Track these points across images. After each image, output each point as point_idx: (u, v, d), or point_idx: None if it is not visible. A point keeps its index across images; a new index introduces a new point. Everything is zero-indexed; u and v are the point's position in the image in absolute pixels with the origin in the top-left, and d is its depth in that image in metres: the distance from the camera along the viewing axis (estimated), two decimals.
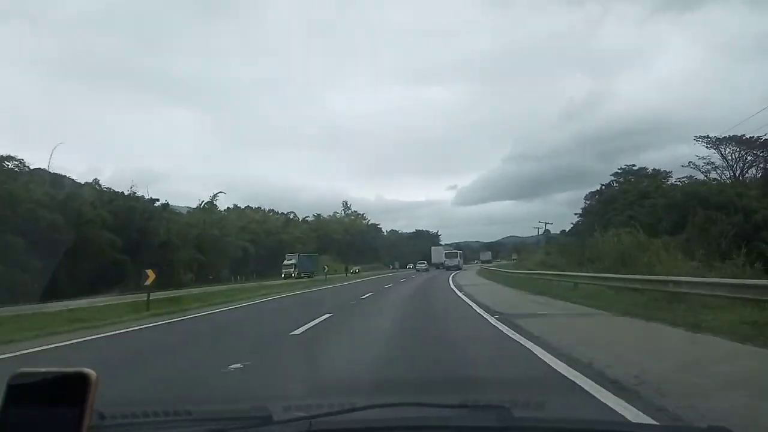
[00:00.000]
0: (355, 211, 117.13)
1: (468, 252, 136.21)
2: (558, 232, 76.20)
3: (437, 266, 78.41)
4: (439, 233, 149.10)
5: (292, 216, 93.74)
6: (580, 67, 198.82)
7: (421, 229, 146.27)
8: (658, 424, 3.69)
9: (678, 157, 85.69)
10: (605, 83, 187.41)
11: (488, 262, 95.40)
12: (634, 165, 58.06)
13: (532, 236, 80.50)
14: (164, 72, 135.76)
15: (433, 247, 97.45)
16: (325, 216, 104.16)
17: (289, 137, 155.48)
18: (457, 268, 71.58)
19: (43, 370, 1.04)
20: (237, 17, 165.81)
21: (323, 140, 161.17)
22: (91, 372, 1.03)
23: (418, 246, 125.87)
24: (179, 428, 2.20)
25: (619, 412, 4.17)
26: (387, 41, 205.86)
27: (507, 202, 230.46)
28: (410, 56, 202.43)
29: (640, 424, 2.93)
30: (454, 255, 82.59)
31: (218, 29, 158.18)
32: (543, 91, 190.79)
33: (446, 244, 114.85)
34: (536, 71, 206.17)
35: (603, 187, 57.13)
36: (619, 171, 58.40)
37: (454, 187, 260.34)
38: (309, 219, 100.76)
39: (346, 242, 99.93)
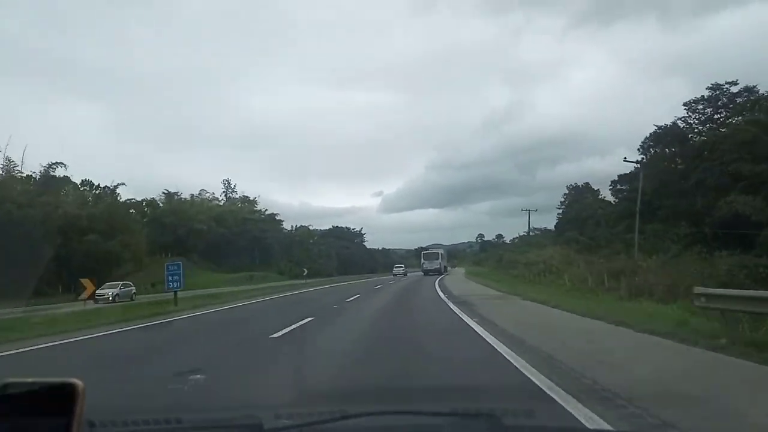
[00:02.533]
0: (244, 196, 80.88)
1: (395, 257, 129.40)
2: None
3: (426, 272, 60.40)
4: (363, 231, 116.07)
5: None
6: (501, 77, 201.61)
7: (339, 226, 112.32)
8: None
9: (591, 171, 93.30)
10: (525, 94, 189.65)
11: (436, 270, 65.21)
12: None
13: (461, 243, 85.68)
14: (66, 60, 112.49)
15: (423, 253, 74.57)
16: (184, 197, 66.87)
17: (204, 136, 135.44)
18: (438, 272, 57.27)
19: (30, 380, 1.03)
20: (149, 5, 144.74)
21: (242, 140, 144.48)
22: (78, 382, 1.01)
23: (334, 247, 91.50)
24: None
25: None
26: (309, 42, 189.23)
27: (431, 210, 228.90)
28: (333, 58, 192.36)
29: None
30: (435, 256, 64.84)
31: (127, 16, 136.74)
32: (466, 99, 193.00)
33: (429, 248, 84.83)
34: (460, 79, 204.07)
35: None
36: None
37: (379, 194, 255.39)
38: (155, 199, 63.85)
39: (219, 238, 63.62)
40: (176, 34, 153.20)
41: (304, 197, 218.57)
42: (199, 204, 67.15)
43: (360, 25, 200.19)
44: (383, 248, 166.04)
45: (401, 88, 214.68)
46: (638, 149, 42.53)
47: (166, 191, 65.21)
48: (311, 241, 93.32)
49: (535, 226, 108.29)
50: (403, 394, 5.18)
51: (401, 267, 74.66)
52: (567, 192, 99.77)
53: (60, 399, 0.99)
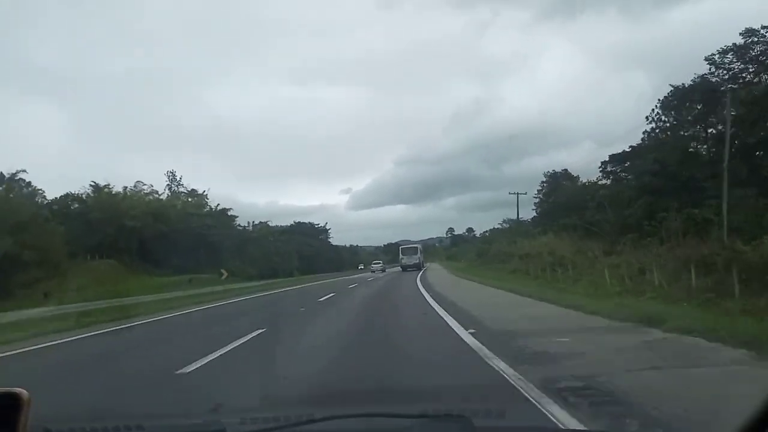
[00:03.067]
0: (192, 190, 71.40)
1: (364, 255, 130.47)
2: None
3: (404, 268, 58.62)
4: (328, 227, 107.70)
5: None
6: (469, 72, 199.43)
7: (302, 221, 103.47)
8: None
9: (556, 163, 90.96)
10: (493, 88, 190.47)
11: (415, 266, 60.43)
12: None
13: (430, 238, 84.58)
14: (23, 57, 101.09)
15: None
16: (116, 190, 57.23)
17: (167, 136, 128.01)
18: (417, 267, 56.09)
19: None
20: (107, 4, 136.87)
21: (206, 140, 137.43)
22: (22, 391, 0.99)
23: (295, 244, 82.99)
24: None
25: None
26: (273, 38, 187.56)
27: (400, 206, 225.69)
28: (298, 55, 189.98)
29: None
30: (413, 251, 63.59)
31: (86, 12, 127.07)
32: (434, 94, 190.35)
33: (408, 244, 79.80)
34: (428, 74, 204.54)
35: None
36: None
37: (348, 191, 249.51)
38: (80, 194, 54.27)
39: (158, 236, 54.47)
40: (138, 33, 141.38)
41: (271, 196, 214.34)
42: (133, 198, 57.52)
43: (326, 21, 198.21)
44: (351, 245, 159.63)
45: (368, 84, 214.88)
46: (655, 110, 35.63)
47: (93, 183, 55.58)
48: (270, 239, 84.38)
49: (510, 218, 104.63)
50: (374, 398, 4.96)
51: (379, 263, 72.00)
52: (544, 180, 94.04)
53: (4, 409, 0.95)
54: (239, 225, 78.74)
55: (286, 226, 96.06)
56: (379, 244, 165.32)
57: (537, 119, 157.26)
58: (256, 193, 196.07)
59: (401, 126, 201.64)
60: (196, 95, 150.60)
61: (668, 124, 36.78)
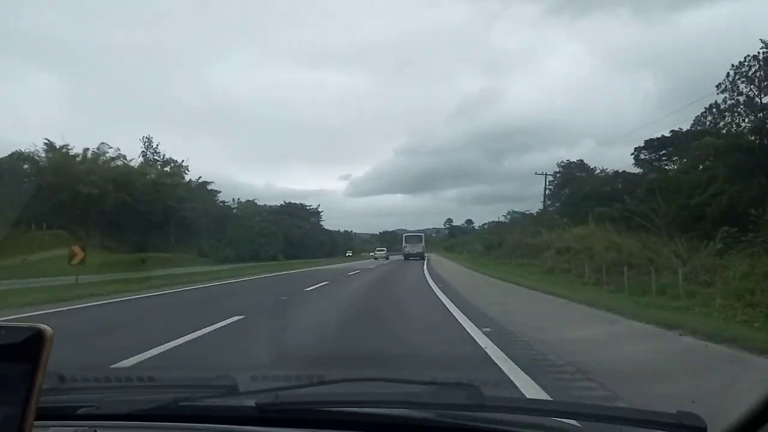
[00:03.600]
0: (171, 159, 63.59)
1: (358, 241, 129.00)
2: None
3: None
4: (320, 209, 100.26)
5: None
6: (475, 64, 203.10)
7: (293, 201, 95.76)
8: (627, 407, 3.44)
9: (557, 158, 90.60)
10: (498, 82, 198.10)
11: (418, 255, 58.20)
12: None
13: (427, 229, 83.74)
14: (20, 28, 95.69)
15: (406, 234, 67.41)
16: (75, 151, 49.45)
17: (167, 113, 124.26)
18: (420, 257, 54.33)
19: None
20: None
21: (206, 119, 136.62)
22: (46, 328, 0.98)
23: (283, 226, 75.64)
24: (143, 396, 1.92)
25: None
26: (280, 20, 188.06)
27: (399, 195, 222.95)
28: (303, 36, 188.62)
29: (608, 407, 2.31)
30: (417, 239, 61.28)
31: None
32: (439, 85, 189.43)
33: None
34: (433, 64, 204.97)
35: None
36: None
37: (347, 177, 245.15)
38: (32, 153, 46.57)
39: (120, 207, 46.91)
40: (140, 8, 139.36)
41: (269, 179, 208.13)
42: (94, 162, 49.68)
43: (334, 3, 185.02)
44: (346, 231, 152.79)
45: (374, 71, 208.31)
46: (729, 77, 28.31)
47: (47, 141, 47.78)
48: (257, 218, 76.80)
49: (516, 210, 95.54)
50: (383, 365, 4.92)
51: (383, 251, 70.58)
52: (558, 170, 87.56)
53: (26, 345, 0.95)
54: (222, 201, 71.27)
55: (275, 206, 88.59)
56: (375, 232, 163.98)
57: (540, 114, 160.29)
58: (254, 175, 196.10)
59: (404, 115, 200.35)
60: (197, 74, 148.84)
61: (743, 97, 29.49)
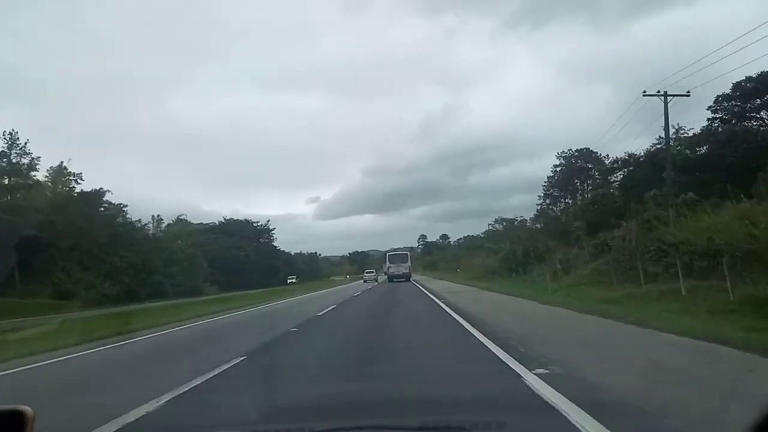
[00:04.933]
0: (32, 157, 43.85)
1: (327, 264, 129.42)
2: None
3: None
4: (271, 226, 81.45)
5: None
6: (437, 81, 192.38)
7: (236, 219, 76.76)
8: None
9: (520, 172, 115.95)
10: (460, 98, 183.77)
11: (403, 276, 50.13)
12: None
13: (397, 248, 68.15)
14: None
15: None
16: None
17: (124, 141, 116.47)
18: (405, 278, 48.37)
19: None
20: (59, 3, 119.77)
21: (165, 146, 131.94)
22: (27, 409, 1.00)
23: (217, 247, 57.01)
24: None
25: None
26: (238, 44, 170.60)
27: (367, 216, 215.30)
28: (262, 59, 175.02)
29: None
30: (402, 258, 52.54)
31: (39, 13, 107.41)
32: (402, 103, 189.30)
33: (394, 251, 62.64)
34: (395, 82, 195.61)
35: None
36: None
37: (315, 200, 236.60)
38: None
39: None
40: (97, 36, 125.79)
41: (236, 205, 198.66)
42: None
43: (290, 26, 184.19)
44: (309, 252, 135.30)
45: (335, 92, 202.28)
46: None
47: None
48: (179, 241, 57.66)
49: (505, 217, 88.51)
50: (375, 409, 4.40)
51: (372, 272, 63.43)
52: (560, 164, 70.73)
53: (8, 427, 0.95)
54: (129, 219, 51.64)
55: (211, 224, 69.64)
56: (345, 253, 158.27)
57: (502, 129, 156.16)
58: (219, 202, 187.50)
59: (369, 135, 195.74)
60: (158, 100, 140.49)
61: None
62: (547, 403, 4.26)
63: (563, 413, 3.87)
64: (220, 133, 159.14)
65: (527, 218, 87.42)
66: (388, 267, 51.35)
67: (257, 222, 75.53)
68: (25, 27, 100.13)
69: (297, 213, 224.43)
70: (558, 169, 69.99)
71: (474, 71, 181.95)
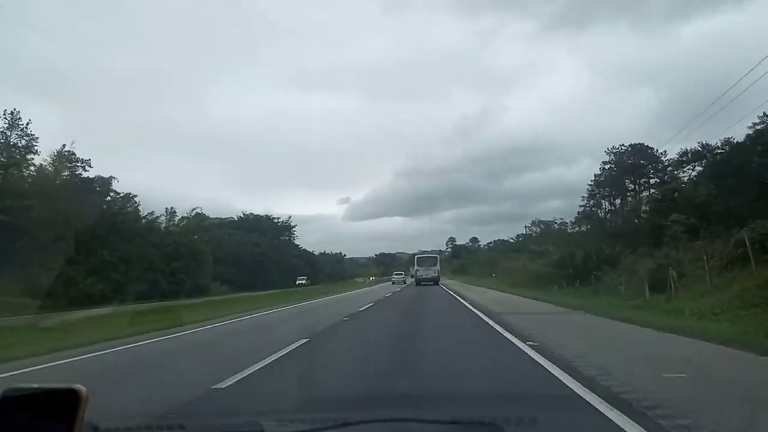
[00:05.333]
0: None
1: (352, 265, 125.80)
2: None
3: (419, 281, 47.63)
4: (292, 223, 76.94)
5: None
6: (473, 83, 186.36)
7: (257, 213, 72.15)
8: None
9: (556, 177, 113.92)
10: (496, 100, 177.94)
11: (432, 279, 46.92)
12: None
13: (425, 251, 64.51)
14: (8, 54, 78.28)
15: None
16: None
17: (163, 140, 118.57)
18: (434, 281, 46.22)
19: (35, 385, 1.04)
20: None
21: (203, 145, 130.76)
22: (81, 388, 1.03)
23: (233, 243, 52.40)
24: None
25: None
26: (276, 43, 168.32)
27: (397, 218, 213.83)
28: (298, 59, 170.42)
29: None
30: (431, 261, 50.24)
31: (81, 9, 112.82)
32: (436, 105, 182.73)
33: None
34: (430, 84, 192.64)
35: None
36: None
37: (346, 201, 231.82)
38: None
39: None
40: (133, 35, 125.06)
41: (268, 204, 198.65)
42: None
43: (327, 25, 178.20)
44: (335, 253, 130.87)
45: (370, 93, 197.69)
46: None
47: None
48: (195, 236, 53.14)
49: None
50: (408, 401, 4.90)
51: (401, 275, 62.52)
52: (609, 161, 65.73)
53: (63, 405, 0.99)
54: (138, 210, 47.08)
55: (229, 219, 65.19)
56: (371, 255, 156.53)
57: (538, 133, 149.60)
58: (252, 201, 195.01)
59: (403, 136, 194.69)
60: (194, 98, 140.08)
61: None
62: None
63: None
64: (253, 132, 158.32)
65: (566, 220, 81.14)
66: (416, 270, 49.81)
67: (278, 218, 70.84)
68: (58, 20, 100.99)
69: (327, 213, 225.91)
70: (607, 167, 63.68)
71: (512, 74, 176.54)
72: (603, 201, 65.37)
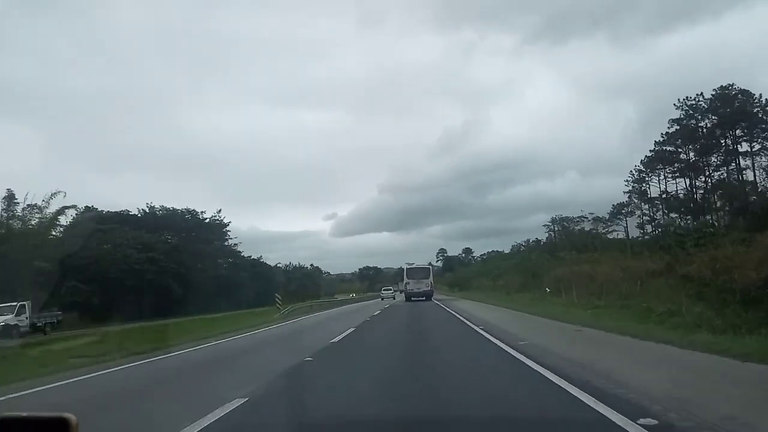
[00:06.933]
0: None
1: (329, 282, 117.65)
2: None
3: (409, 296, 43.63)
4: (223, 218, 54.61)
5: None
6: (455, 97, 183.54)
7: (176, 207, 50.17)
8: None
9: (539, 191, 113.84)
10: (478, 114, 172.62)
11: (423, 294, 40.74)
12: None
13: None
14: None
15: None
16: None
17: (142, 159, 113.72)
18: (426, 296, 41.84)
19: (25, 414, 1.04)
20: (72, 15, 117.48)
21: (185, 163, 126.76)
22: (71, 417, 1.02)
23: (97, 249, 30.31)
24: None
25: None
26: (256, 61, 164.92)
27: (384, 234, 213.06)
28: (278, 76, 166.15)
29: None
30: (423, 273, 45.82)
31: (49, 27, 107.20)
32: (419, 120, 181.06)
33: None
34: (412, 98, 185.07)
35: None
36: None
37: (332, 217, 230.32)
38: None
39: None
40: (112, 51, 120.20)
41: (254, 222, 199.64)
42: None
43: (305, 42, 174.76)
44: (316, 268, 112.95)
45: (354, 108, 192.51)
46: None
47: None
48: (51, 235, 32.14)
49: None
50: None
51: (390, 290, 62.73)
52: (681, 117, 45.37)
53: None
54: None
55: (124, 213, 43.85)
56: (354, 270, 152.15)
57: (522, 146, 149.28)
58: (237, 219, 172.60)
59: (387, 152, 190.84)
60: (171, 117, 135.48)
61: None
62: None
63: None
64: (236, 150, 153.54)
65: (598, 215, 61.88)
66: (406, 283, 45.39)
67: (201, 213, 49.01)
68: (37, 41, 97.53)
69: (313, 230, 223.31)
70: (677, 125, 43.54)
71: (493, 87, 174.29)
72: (662, 175, 44.95)
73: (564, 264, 28.83)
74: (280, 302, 28.04)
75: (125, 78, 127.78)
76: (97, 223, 37.67)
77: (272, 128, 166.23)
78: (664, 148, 43.10)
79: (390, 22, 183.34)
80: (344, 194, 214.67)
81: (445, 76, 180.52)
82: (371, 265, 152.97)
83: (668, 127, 42.21)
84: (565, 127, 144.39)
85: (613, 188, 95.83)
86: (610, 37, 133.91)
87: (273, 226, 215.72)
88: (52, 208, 35.56)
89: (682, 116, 40.76)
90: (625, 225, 60.97)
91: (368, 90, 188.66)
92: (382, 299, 55.33)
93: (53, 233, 36.17)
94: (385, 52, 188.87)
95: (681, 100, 40.45)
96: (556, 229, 67.61)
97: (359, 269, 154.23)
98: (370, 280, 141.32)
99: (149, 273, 33.41)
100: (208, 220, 48.55)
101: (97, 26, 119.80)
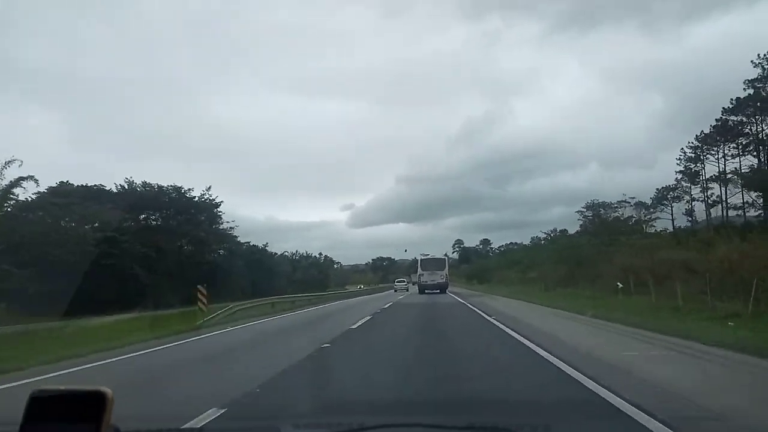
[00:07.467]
0: None
1: (340, 274, 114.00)
2: None
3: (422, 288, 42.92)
4: (214, 198, 48.09)
5: None
6: (478, 87, 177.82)
7: (152, 184, 44.19)
8: None
9: (561, 183, 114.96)
10: (501, 105, 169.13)
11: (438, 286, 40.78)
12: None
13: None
14: (17, 62, 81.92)
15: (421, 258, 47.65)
16: None
17: (166, 146, 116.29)
18: (441, 288, 40.95)
19: (62, 387, 1.05)
20: (106, 7, 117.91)
21: (205, 151, 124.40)
22: (107, 390, 1.03)
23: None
24: None
25: None
26: (278, 50, 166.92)
27: (401, 225, 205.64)
28: (301, 66, 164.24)
29: None
30: (437, 264, 44.21)
31: (81, 17, 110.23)
32: (440, 110, 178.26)
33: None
34: (434, 89, 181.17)
35: None
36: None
37: (349, 207, 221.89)
38: None
39: None
40: (139, 40, 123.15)
41: (272, 211, 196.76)
42: None
43: (328, 31, 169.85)
44: (327, 258, 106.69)
45: (373, 98, 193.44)
46: None
47: None
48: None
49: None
50: (425, 408, 4.74)
51: (403, 281, 62.87)
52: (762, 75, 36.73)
53: (89, 407, 1.00)
54: None
55: (105, 189, 38.08)
56: (367, 261, 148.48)
57: (544, 137, 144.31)
58: (256, 208, 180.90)
59: (407, 142, 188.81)
60: (195, 104, 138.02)
61: None
62: None
63: None
64: (255, 139, 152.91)
65: (641, 200, 55.55)
66: (420, 274, 44.65)
67: (188, 190, 42.96)
68: (67, 28, 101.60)
69: (331, 220, 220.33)
70: (752, 88, 36.16)
71: (517, 77, 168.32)
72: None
73: (623, 251, 22.14)
74: (204, 302, 17.87)
75: (150, 67, 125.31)
76: (60, 197, 31.88)
77: (291, 118, 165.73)
78: (731, 118, 36.08)
79: (414, 12, 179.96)
80: (362, 184, 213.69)
81: (468, 65, 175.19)
82: (385, 256, 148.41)
83: (744, 88, 34.99)
84: (589, 118, 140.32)
85: (639, 181, 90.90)
86: (640, 25, 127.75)
87: (291, 216, 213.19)
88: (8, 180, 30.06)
89: (760, 75, 33.58)
90: (670, 211, 54.13)
91: (390, 80, 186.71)
92: (396, 291, 54.81)
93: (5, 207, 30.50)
94: (408, 42, 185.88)
95: (762, 56, 33.26)
96: (589, 215, 60.71)
97: (372, 260, 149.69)
98: (384, 270, 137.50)
99: (108, 257, 27.63)
100: (196, 199, 42.68)
101: (121, 15, 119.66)
